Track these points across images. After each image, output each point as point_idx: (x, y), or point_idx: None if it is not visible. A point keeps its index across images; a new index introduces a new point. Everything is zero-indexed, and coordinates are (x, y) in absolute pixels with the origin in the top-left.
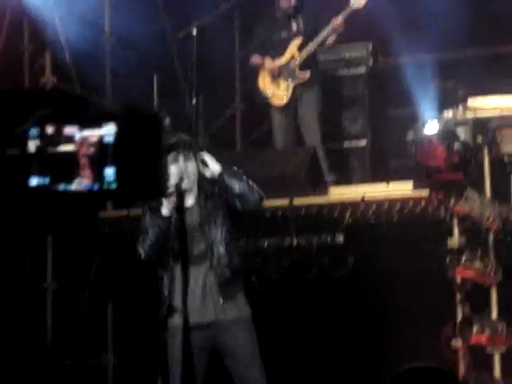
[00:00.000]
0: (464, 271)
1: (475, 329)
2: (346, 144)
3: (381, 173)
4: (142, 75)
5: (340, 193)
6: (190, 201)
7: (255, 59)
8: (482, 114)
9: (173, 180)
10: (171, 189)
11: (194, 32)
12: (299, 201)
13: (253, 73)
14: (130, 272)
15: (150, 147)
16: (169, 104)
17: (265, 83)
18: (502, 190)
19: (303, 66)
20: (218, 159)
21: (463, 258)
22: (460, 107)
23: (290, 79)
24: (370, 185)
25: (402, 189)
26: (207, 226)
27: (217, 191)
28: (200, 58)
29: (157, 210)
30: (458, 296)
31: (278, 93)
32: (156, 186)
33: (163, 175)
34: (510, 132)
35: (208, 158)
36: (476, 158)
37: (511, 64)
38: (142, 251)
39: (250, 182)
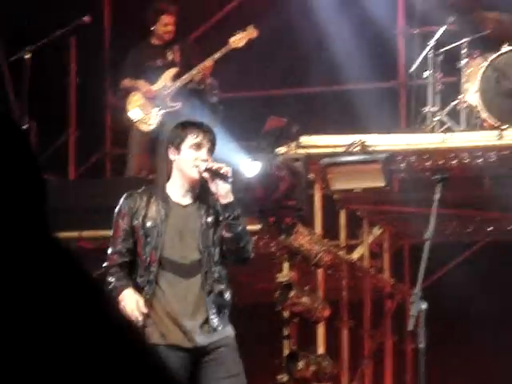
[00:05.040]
0: (292, 306)
1: (301, 364)
2: None
3: None
4: None
5: None
6: (187, 199)
7: (127, 82)
8: (313, 151)
9: (188, 166)
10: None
11: (27, 56)
12: None
13: (89, 99)
14: None
15: None
16: None
17: (134, 106)
18: (332, 226)
19: (174, 96)
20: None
21: (291, 293)
22: (293, 144)
23: (160, 107)
24: None
25: None
26: (203, 237)
27: (220, 215)
28: (33, 84)
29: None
30: (285, 331)
31: (146, 118)
32: None
33: None
34: (339, 170)
35: (228, 176)
36: (307, 195)
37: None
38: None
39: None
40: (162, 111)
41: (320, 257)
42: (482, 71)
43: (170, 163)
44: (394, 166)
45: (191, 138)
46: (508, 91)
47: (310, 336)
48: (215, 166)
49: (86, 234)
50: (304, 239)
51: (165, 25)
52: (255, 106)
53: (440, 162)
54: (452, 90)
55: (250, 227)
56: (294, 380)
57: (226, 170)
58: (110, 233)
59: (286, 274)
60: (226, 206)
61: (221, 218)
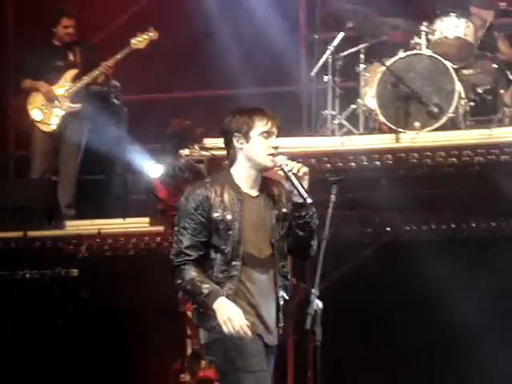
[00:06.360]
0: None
1: (203, 363)
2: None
3: (119, 207)
4: None
5: (76, 226)
6: (254, 190)
7: (28, 83)
8: (218, 153)
9: (260, 154)
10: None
11: None
12: (34, 233)
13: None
14: None
15: None
16: None
17: (35, 107)
18: None
19: (75, 97)
20: None
21: None
22: (197, 146)
23: (60, 108)
24: (107, 219)
25: (138, 224)
26: (274, 230)
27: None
28: None
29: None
30: (189, 331)
31: (47, 119)
32: None
33: None
34: None
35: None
36: None
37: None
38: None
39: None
40: (63, 112)
41: None
42: (380, 76)
43: (234, 152)
44: None
45: (261, 125)
46: (404, 96)
47: None
48: (292, 166)
49: None
50: None
51: (65, 27)
52: (159, 108)
53: (339, 164)
54: (351, 94)
55: (152, 228)
56: (196, 379)
57: (304, 170)
58: (16, 234)
59: None
60: (303, 205)
61: (285, 210)
